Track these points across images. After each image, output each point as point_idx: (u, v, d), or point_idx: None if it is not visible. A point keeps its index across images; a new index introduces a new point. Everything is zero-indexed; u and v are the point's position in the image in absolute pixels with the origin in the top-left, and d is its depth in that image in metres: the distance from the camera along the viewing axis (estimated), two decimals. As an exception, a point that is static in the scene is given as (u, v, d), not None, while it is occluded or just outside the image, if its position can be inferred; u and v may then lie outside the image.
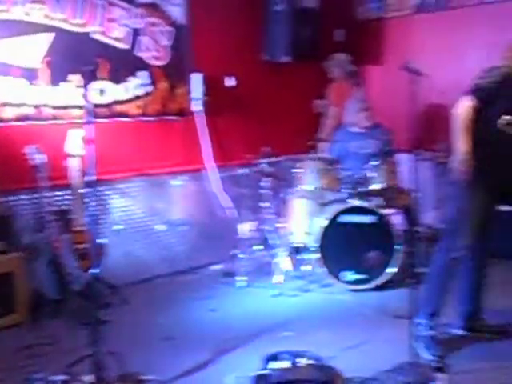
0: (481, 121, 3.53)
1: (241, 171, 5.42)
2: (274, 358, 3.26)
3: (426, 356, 3.42)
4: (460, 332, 3.81)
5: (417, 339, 3.36)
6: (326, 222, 4.79)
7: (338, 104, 6.05)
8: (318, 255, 4.80)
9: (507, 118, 3.57)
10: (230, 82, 5.76)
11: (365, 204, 4.83)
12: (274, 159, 5.30)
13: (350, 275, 4.78)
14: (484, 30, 5.75)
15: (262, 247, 5.30)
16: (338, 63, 6.32)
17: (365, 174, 4.95)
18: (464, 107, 3.54)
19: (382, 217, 4.77)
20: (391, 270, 4.72)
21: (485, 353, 3.63)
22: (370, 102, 5.57)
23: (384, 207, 4.93)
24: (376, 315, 4.24)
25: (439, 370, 3.09)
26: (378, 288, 4.75)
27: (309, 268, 4.99)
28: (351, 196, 4.94)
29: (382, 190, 4.92)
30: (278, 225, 5.27)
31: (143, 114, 5.24)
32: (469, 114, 3.51)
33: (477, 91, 3.53)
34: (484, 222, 3.67)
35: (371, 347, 3.74)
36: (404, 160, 5.20)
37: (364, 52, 6.55)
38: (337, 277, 4.80)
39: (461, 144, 3.50)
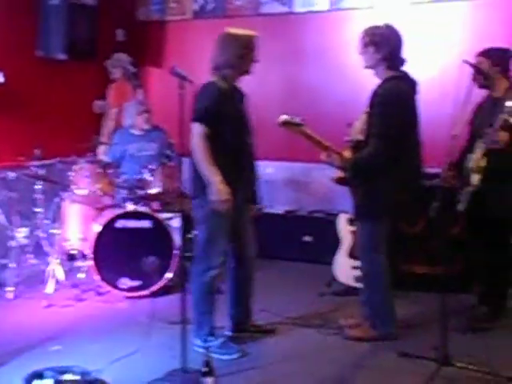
0: (217, 143, 3.54)
1: (11, 174, 5.03)
2: (37, 375, 3.07)
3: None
4: (230, 334, 3.87)
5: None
6: (100, 228, 4.63)
7: (118, 105, 5.92)
8: (94, 262, 4.62)
9: (285, 117, 3.70)
10: (-2, 77, 5.34)
11: (141, 208, 4.75)
12: (47, 162, 5.00)
13: (127, 282, 4.67)
14: (260, 40, 5.97)
15: (34, 255, 4.98)
16: (118, 63, 6.18)
17: (143, 177, 4.86)
18: (197, 136, 3.51)
19: (159, 221, 4.72)
20: (169, 276, 4.69)
21: (253, 353, 3.73)
22: (149, 104, 5.52)
23: (162, 211, 4.90)
24: (151, 322, 4.15)
25: (207, 374, 3.10)
26: (156, 294, 4.68)
27: (83, 276, 4.79)
28: (128, 200, 4.82)
29: (160, 194, 4.86)
30: (52, 231, 4.98)
31: None
32: (204, 141, 3.49)
33: (203, 116, 3.50)
34: (236, 235, 3.75)
35: (144, 356, 3.65)
36: (185, 164, 5.21)
37: (145, 54, 6.49)
38: (113, 284, 4.66)
39: (211, 175, 3.48)
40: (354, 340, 3.90)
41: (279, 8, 5.87)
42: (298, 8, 5.80)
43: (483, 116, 3.98)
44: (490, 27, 5.08)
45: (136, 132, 5.31)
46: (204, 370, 3.11)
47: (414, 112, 3.79)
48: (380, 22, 3.82)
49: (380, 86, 3.76)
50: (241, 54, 3.62)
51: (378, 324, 3.89)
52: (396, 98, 3.68)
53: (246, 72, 3.72)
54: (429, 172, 4.26)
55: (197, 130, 3.52)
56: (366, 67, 3.83)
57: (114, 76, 6.23)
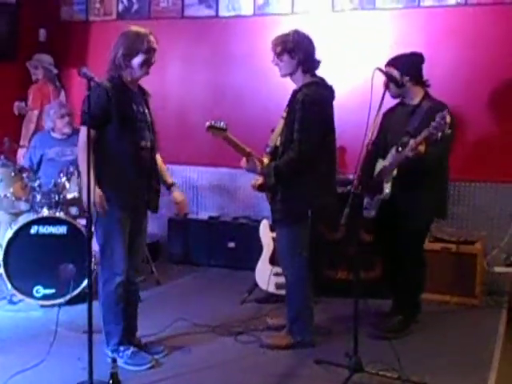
0: (108, 147, 3.44)
1: None
2: None
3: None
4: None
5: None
6: (11, 234, 4.45)
7: (40, 107, 5.78)
8: (4, 270, 4.43)
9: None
10: None
11: (57, 214, 4.59)
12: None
13: (42, 290, 4.51)
14: (183, 42, 5.92)
15: None
16: (39, 64, 6.02)
17: (59, 182, 4.71)
18: (81, 140, 3.37)
19: (75, 227, 4.57)
20: (86, 283, 4.55)
21: (166, 363, 3.63)
22: (71, 106, 5.37)
23: (79, 217, 4.75)
24: (65, 332, 4.00)
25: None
26: (72, 302, 4.51)
27: (-6, 284, 4.61)
28: (44, 205, 4.65)
29: (77, 199, 4.71)
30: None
31: None
32: (87, 145, 3.23)
33: (87, 120, 3.26)
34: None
35: (51, 368, 3.49)
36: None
37: (67, 54, 6.31)
38: (27, 292, 4.49)
39: (85, 179, 3.22)
40: (271, 348, 3.86)
41: (205, 11, 5.81)
42: (224, 12, 5.76)
43: (397, 123, 4.01)
44: (411, 35, 5.16)
45: (57, 136, 5.14)
46: (110, 382, 3.01)
47: (332, 117, 3.81)
48: (301, 28, 3.82)
49: (299, 92, 3.74)
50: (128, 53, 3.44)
51: (295, 331, 3.87)
52: (316, 103, 3.68)
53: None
54: (349, 178, 4.29)
55: (82, 133, 3.37)
56: (283, 75, 3.82)
57: (36, 77, 6.06)
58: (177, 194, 3.83)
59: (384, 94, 3.53)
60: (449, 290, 4.69)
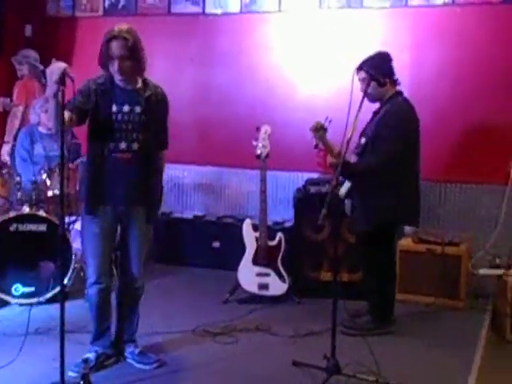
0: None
1: None
2: None
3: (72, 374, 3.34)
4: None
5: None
6: (-10, 232, 4.40)
7: (25, 103, 5.73)
8: (-16, 267, 4.39)
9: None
10: None
11: (38, 212, 4.53)
12: None
13: (21, 288, 4.45)
14: (169, 39, 5.87)
15: None
16: (25, 60, 5.96)
17: (41, 179, 4.66)
18: None
19: (55, 225, 4.51)
20: (65, 282, 4.49)
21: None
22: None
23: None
24: (43, 331, 3.97)
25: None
26: (51, 301, 4.46)
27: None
28: (24, 203, 4.60)
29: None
30: None
31: None
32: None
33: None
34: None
35: (23, 368, 3.43)
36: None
37: (54, 50, 6.22)
38: (6, 291, 4.43)
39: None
40: None
41: (191, 8, 5.75)
42: (210, 9, 5.70)
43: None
44: (398, 34, 5.12)
45: (43, 130, 5.11)
46: (81, 383, 2.97)
47: None
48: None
49: None
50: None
51: None
52: None
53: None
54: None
55: None
56: None
57: (21, 73, 6.00)
58: None
59: (364, 95, 3.48)
60: (433, 291, 4.64)
